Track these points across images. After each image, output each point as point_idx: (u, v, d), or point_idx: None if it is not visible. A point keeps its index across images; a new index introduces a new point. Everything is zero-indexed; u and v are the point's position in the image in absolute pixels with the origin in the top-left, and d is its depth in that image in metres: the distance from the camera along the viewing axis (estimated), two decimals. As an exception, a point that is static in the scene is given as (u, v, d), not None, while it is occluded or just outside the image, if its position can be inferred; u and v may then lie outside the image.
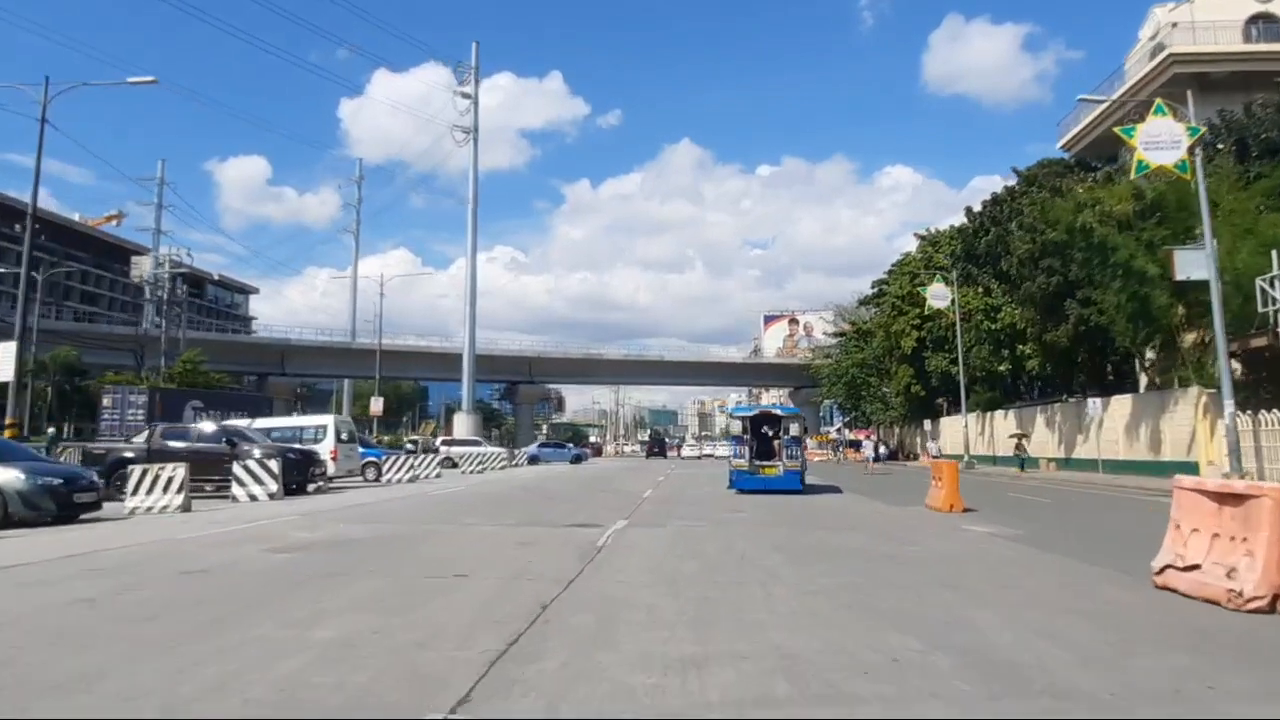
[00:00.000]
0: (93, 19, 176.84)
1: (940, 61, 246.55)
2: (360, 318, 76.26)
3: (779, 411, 21.91)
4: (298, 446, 18.97)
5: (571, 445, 57.77)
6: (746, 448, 19.31)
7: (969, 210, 39.14)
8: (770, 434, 20.06)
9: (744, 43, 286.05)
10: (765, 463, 19.12)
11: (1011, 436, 33.79)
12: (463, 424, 57.43)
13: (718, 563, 8.24)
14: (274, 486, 16.11)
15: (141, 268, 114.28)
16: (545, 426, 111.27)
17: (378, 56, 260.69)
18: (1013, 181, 37.93)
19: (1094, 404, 28.44)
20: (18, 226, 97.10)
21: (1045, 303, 29.85)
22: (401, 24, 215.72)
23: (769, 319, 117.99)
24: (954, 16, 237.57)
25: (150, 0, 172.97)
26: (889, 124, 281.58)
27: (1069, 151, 42.38)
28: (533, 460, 45.13)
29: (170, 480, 13.79)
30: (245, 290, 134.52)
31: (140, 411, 28.94)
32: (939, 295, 39.74)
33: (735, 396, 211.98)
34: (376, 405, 39.57)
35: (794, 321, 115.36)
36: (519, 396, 79.69)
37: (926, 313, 40.14)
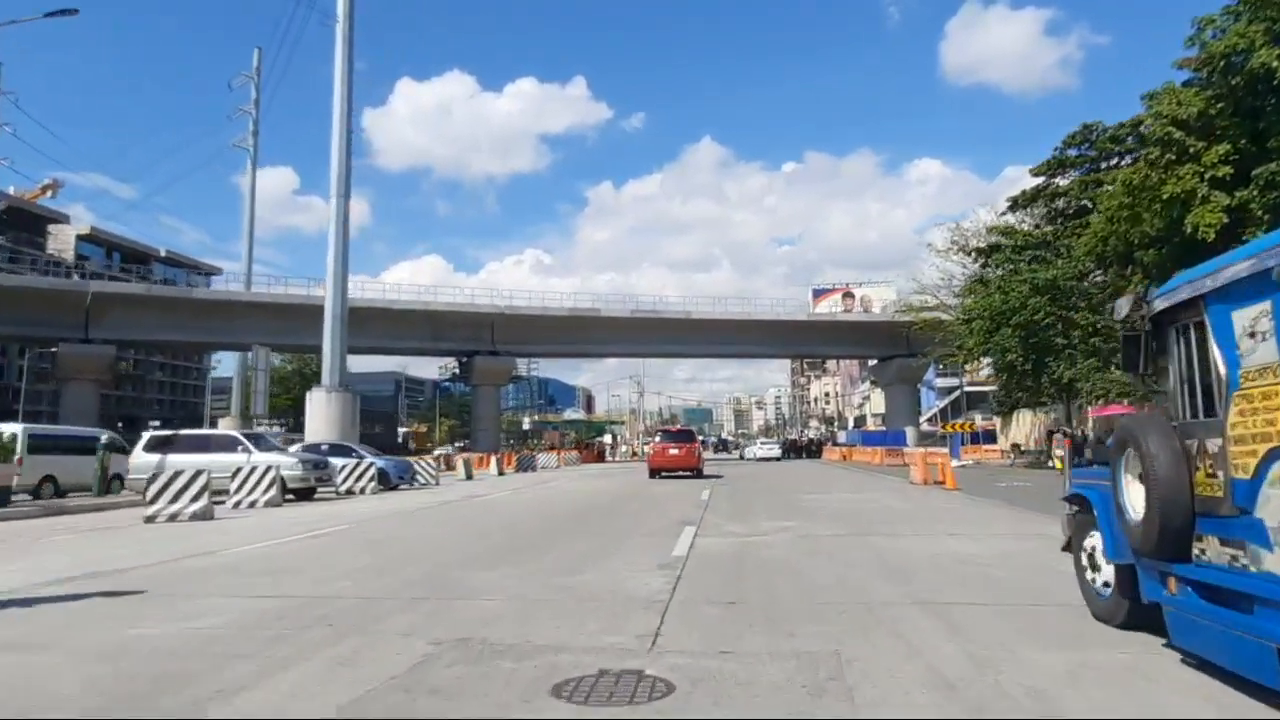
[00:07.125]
0: None
1: (958, 50, 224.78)
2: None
3: None
4: None
5: (383, 455, 24.84)
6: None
7: None
8: None
9: (764, 40, 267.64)
10: None
11: None
12: (322, 409, 32.22)
13: None
14: None
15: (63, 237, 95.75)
16: (527, 420, 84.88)
17: (400, 65, 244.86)
18: None
19: None
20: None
21: None
22: (422, 32, 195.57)
23: (819, 293, 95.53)
24: (971, 3, 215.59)
25: None
26: (916, 116, 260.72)
27: None
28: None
29: None
30: (203, 270, 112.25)
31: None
32: None
33: (774, 391, 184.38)
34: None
35: (849, 295, 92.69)
36: (476, 374, 53.95)
37: None
